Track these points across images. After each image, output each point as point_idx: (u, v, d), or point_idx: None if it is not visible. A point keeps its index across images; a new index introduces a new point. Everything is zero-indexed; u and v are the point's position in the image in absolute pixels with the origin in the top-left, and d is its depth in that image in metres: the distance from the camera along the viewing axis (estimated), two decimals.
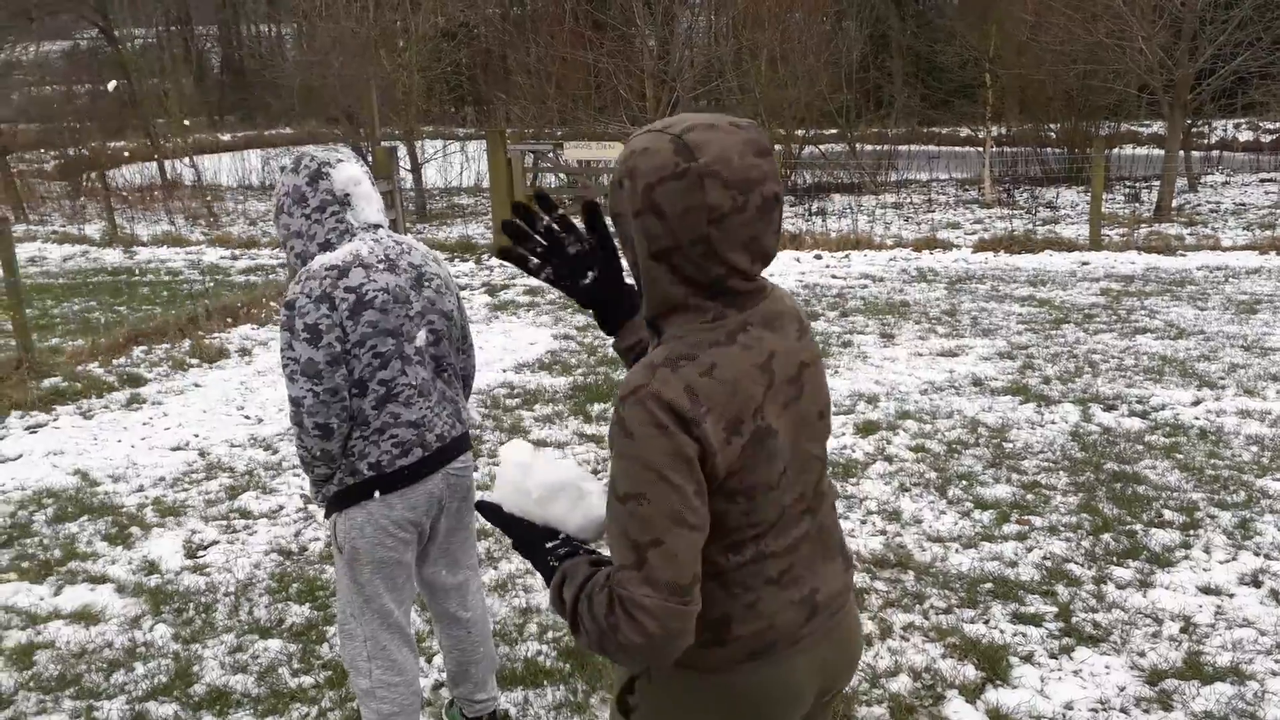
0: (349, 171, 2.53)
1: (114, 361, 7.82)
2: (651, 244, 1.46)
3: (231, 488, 5.31)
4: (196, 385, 7.30)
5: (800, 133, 17.61)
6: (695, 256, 1.44)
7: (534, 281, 10.95)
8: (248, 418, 6.53)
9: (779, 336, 1.54)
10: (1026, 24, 15.31)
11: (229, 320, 9.00)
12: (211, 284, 10.33)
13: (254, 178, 22.05)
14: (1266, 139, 21.03)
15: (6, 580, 4.31)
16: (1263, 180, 16.80)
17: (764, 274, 1.58)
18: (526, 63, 17.76)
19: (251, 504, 5.07)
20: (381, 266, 2.48)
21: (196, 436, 6.17)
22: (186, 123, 19.70)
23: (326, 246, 2.49)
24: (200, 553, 4.56)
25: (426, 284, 2.59)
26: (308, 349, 2.37)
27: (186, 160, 19.21)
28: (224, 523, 4.87)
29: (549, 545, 1.58)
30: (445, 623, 2.85)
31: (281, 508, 5.03)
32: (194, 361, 7.88)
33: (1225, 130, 21.25)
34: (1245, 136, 21.71)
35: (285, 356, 2.39)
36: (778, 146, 16.71)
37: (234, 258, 13.85)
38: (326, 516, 2.62)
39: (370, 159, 19.27)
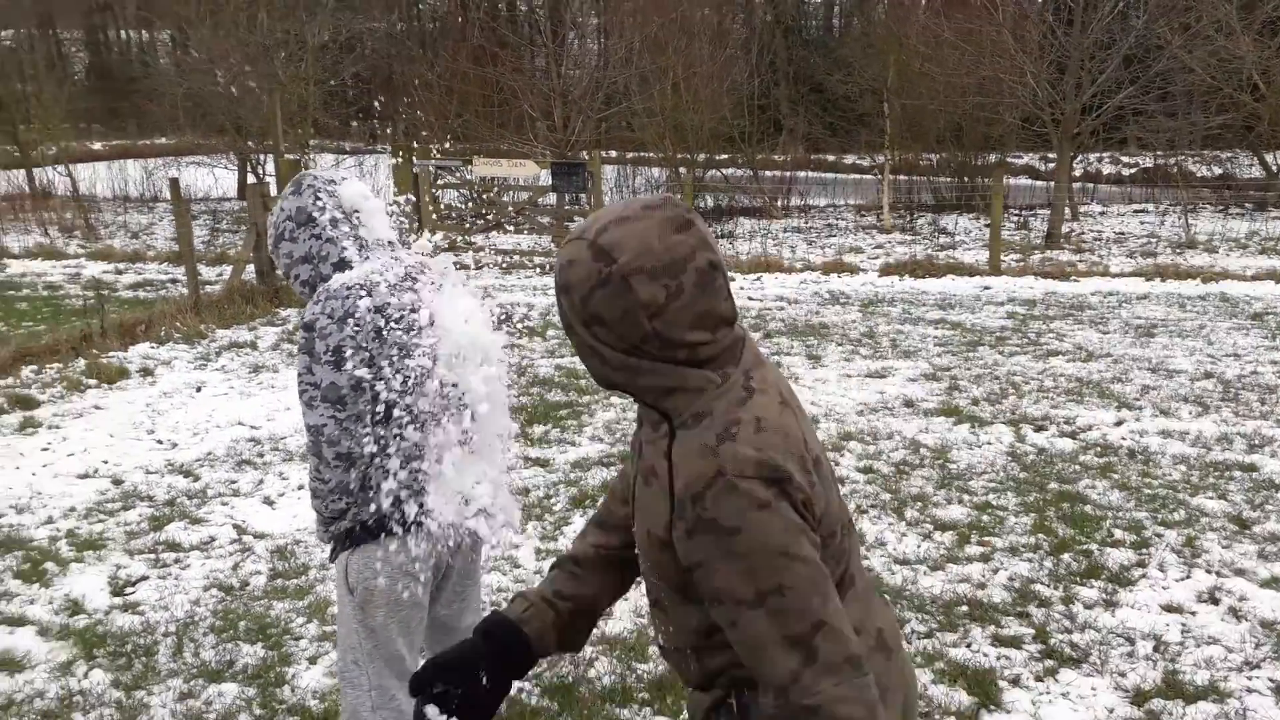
0: (355, 187, 2.38)
1: (1, 382, 7.23)
2: (614, 346, 1.38)
3: (154, 518, 4.93)
4: (97, 408, 6.80)
5: (703, 156, 17.79)
6: (654, 350, 1.36)
7: None
8: (160, 442, 6.11)
9: (772, 371, 1.47)
10: (920, 56, 15.87)
11: (126, 338, 8.44)
12: (93, 299, 9.66)
13: (133, 189, 20.99)
14: (1126, 173, 22.38)
15: None
16: (1136, 211, 17.81)
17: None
18: (428, 78, 17.42)
19: (179, 535, 4.71)
20: (404, 285, 2.32)
21: (105, 463, 5.74)
22: (65, 126, 18.59)
23: (342, 265, 2.32)
24: (128, 589, 4.20)
25: None
26: (330, 373, 2.18)
27: (61, 169, 18.11)
28: (151, 556, 4.50)
29: None
30: None
31: (213, 539, 4.69)
32: (91, 382, 7.35)
33: (1090, 164, 22.49)
34: (1107, 169, 23.04)
35: (304, 382, 2.20)
36: (682, 170, 16.86)
37: (118, 272, 13.11)
38: (332, 557, 2.41)
39: (262, 172, 18.58)
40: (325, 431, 2.20)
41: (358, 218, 2.38)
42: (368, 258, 2.35)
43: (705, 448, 1.32)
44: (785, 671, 1.30)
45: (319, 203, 2.34)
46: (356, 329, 2.21)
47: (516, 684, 3.43)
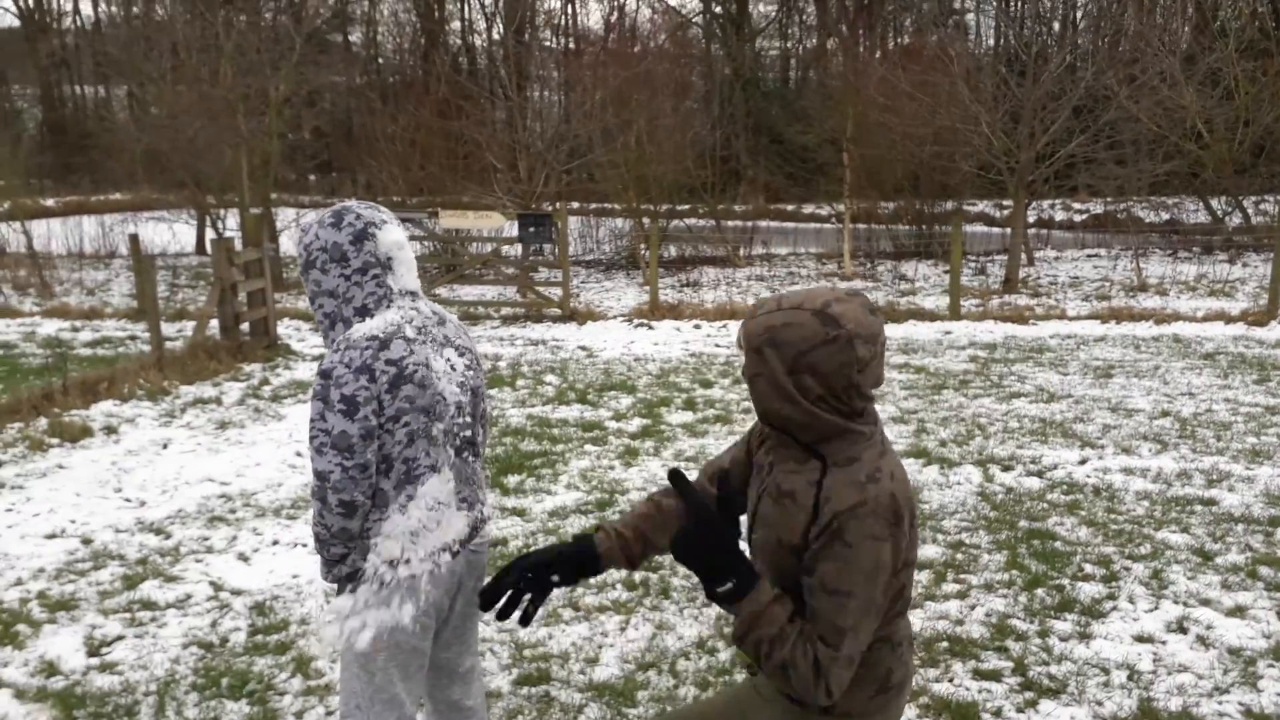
0: (394, 235, 2.39)
1: None
2: (808, 394, 1.79)
3: (127, 577, 4.86)
4: (60, 467, 6.70)
5: (666, 206, 18.03)
6: (846, 397, 1.79)
7: None
8: (128, 500, 6.03)
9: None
10: (878, 106, 16.28)
11: (88, 396, 8.34)
12: (51, 358, 9.52)
13: (88, 245, 20.80)
14: (1079, 219, 23.01)
15: None
16: (1089, 255, 18.28)
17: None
18: (392, 131, 17.55)
19: (154, 594, 4.65)
20: (420, 339, 2.36)
21: (73, 522, 5.65)
22: (17, 183, 18.41)
23: (363, 312, 2.35)
24: (104, 649, 4.13)
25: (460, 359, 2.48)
26: (342, 421, 2.21)
27: (16, 225, 17.91)
28: (127, 615, 4.44)
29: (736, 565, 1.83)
30: (445, 711, 2.66)
31: (189, 596, 4.63)
32: (54, 441, 7.24)
33: (1043, 210, 23.09)
34: (1060, 216, 23.67)
35: (315, 428, 2.23)
36: (645, 221, 17.08)
37: (75, 329, 12.95)
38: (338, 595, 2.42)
39: (222, 226, 18.52)
40: (331, 478, 2.23)
41: (390, 263, 2.39)
42: (389, 306, 2.38)
43: (857, 483, 1.75)
44: (821, 634, 1.75)
45: (355, 244, 2.35)
46: (371, 381, 2.25)
47: None
